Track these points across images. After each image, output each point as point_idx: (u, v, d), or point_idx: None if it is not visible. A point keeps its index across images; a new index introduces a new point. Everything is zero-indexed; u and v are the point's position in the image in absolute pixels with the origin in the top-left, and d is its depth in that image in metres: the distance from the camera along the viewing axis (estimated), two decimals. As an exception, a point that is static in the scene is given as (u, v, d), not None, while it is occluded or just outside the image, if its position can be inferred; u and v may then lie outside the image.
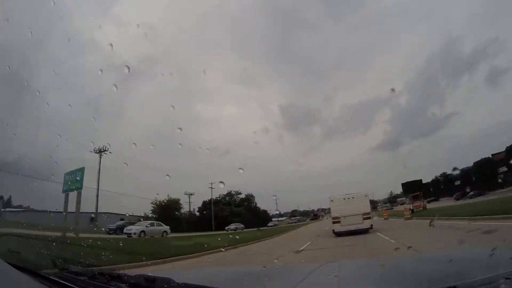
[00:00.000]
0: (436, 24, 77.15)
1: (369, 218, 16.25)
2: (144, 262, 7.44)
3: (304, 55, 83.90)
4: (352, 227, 15.47)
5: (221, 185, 3.95)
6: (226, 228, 38.39)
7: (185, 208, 48.10)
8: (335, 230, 16.10)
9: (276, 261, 8.04)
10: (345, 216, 15.96)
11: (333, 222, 16.49)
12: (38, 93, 5.46)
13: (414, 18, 76.62)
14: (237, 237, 19.44)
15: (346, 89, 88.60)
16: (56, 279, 1.35)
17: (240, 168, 3.96)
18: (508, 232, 8.03)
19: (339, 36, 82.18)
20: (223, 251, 11.67)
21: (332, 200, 17.23)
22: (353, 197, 16.74)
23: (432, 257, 2.11)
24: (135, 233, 19.86)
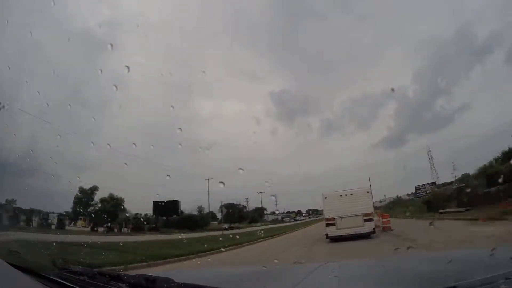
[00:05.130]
0: (447, 11, 75.00)
1: (371, 219, 13.39)
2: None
3: (308, 48, 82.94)
4: (350, 231, 12.76)
5: (221, 185, 3.95)
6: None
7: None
8: (329, 235, 13.48)
9: (276, 261, 8.05)
10: (341, 218, 13.20)
11: (327, 225, 13.70)
12: (38, 93, 5.46)
13: (423, 8, 74.86)
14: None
15: (351, 83, 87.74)
16: (56, 279, 1.35)
17: (240, 168, 3.96)
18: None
19: (345, 27, 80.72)
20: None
21: (325, 198, 14.10)
22: (351, 194, 13.84)
23: (432, 257, 2.11)
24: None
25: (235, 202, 55.68)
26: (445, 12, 76.50)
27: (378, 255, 8.44)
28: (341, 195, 14.02)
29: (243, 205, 59.36)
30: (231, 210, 55.04)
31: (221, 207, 53.31)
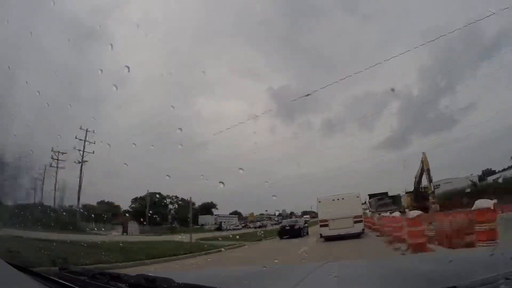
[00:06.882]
0: (453, 8, 73.53)
1: (361, 221, 15.43)
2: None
3: (311, 46, 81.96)
4: (342, 231, 14.57)
5: (221, 185, 3.96)
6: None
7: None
8: (323, 235, 15.48)
9: (276, 261, 8.07)
10: (333, 219, 15.06)
11: (321, 226, 15.75)
12: (38, 93, 5.46)
13: (426, 5, 73.65)
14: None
15: (354, 82, 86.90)
16: (55, 279, 1.35)
17: (240, 168, 3.96)
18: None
19: (348, 24, 79.55)
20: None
21: (319, 201, 16.30)
22: (343, 198, 15.79)
23: (432, 257, 2.12)
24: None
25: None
26: (450, 9, 75.47)
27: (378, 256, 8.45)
28: (333, 200, 15.87)
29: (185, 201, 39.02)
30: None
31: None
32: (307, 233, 20.55)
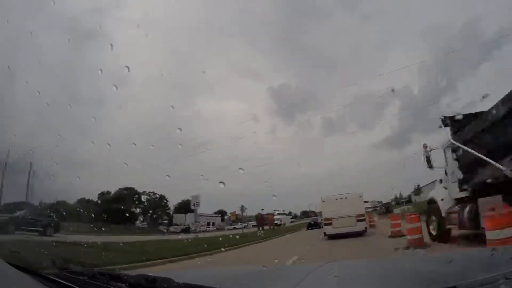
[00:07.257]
0: (454, 6, 72.93)
1: (363, 220, 15.94)
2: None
3: (311, 45, 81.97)
4: (345, 230, 15.09)
5: (221, 185, 3.95)
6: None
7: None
8: (327, 233, 15.99)
9: (276, 261, 8.06)
10: (337, 218, 15.57)
11: (325, 224, 16.39)
12: (38, 93, 5.46)
13: (427, 4, 73.06)
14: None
15: (354, 82, 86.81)
16: (55, 278, 1.35)
17: (240, 168, 3.96)
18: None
19: (349, 23, 79.37)
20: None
21: (323, 201, 16.81)
22: (346, 198, 16.27)
23: (432, 257, 2.12)
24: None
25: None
26: (450, 9, 75.26)
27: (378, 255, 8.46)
28: (337, 199, 16.48)
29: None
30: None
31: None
32: (323, 226, 25.48)
